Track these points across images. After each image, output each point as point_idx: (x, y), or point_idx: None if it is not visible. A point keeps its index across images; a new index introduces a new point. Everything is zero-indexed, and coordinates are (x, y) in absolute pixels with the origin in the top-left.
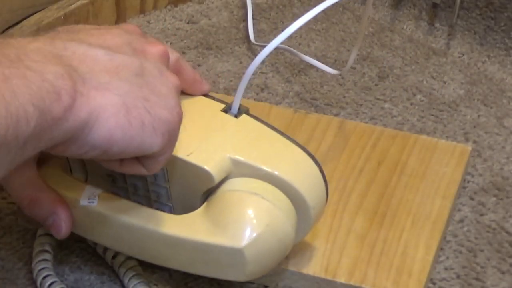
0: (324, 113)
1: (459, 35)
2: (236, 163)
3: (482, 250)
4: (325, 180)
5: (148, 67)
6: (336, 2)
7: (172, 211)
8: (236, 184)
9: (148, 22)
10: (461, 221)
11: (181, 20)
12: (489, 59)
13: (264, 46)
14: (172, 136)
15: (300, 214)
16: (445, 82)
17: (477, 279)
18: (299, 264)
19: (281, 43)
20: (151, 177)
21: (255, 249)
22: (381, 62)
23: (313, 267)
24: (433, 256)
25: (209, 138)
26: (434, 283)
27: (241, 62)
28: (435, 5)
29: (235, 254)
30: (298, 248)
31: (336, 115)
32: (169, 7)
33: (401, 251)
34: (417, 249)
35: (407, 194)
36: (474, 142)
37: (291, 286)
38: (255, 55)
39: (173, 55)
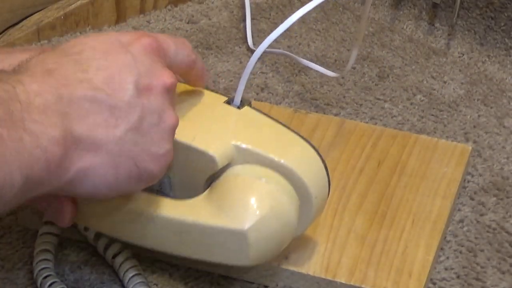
0: (324, 113)
1: (459, 35)
2: (239, 150)
3: (482, 250)
4: (327, 172)
5: (147, 114)
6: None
7: None
8: (239, 170)
9: (148, 22)
10: (461, 221)
11: (181, 20)
12: (489, 59)
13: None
14: (156, 179)
15: (302, 203)
16: (445, 82)
17: (477, 279)
18: (299, 264)
19: (282, 44)
20: None
21: (258, 232)
22: (381, 62)
23: (313, 267)
24: (433, 256)
25: (212, 126)
26: (434, 283)
27: (241, 62)
28: (435, 5)
29: (239, 236)
30: (298, 248)
31: (336, 115)
32: (169, 7)
33: (401, 251)
34: (417, 249)
35: (407, 194)
36: (474, 142)
37: (291, 286)
38: None
39: (189, 57)
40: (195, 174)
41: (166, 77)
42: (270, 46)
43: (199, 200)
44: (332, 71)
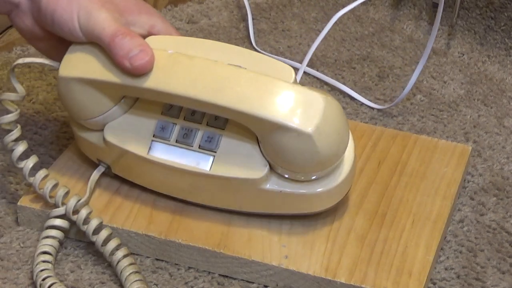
0: None
1: (459, 35)
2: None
3: (482, 250)
4: None
5: None
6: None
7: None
8: None
9: None
10: (461, 221)
11: (181, 20)
12: (489, 59)
13: (264, 49)
14: None
15: None
16: (445, 82)
17: (477, 279)
18: (299, 264)
19: (282, 44)
20: None
21: (330, 108)
22: (381, 62)
23: (313, 267)
24: (433, 256)
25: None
26: (434, 283)
27: None
28: (435, 5)
29: (315, 100)
30: (298, 248)
31: None
32: (169, 7)
33: (401, 251)
34: (417, 249)
35: (407, 194)
36: (474, 142)
37: (291, 286)
38: None
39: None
40: None
41: None
42: (271, 48)
43: None
44: (375, 103)
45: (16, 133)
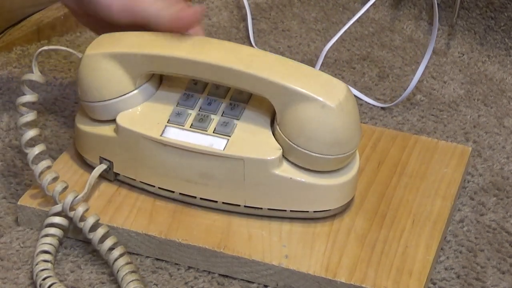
0: None
1: (459, 35)
2: None
3: (482, 250)
4: None
5: None
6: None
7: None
8: None
9: None
10: (461, 221)
11: None
12: (489, 59)
13: (264, 50)
14: None
15: None
16: (445, 82)
17: (477, 279)
18: (299, 263)
19: (282, 44)
20: None
21: (349, 95)
22: (381, 62)
23: (314, 267)
24: (433, 256)
25: None
26: (434, 283)
27: None
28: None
29: (338, 84)
30: (298, 247)
31: None
32: None
33: (401, 251)
34: (417, 249)
35: (407, 194)
36: (474, 142)
37: (291, 286)
38: None
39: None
40: None
41: None
42: (271, 48)
43: None
44: (379, 102)
45: (31, 116)
